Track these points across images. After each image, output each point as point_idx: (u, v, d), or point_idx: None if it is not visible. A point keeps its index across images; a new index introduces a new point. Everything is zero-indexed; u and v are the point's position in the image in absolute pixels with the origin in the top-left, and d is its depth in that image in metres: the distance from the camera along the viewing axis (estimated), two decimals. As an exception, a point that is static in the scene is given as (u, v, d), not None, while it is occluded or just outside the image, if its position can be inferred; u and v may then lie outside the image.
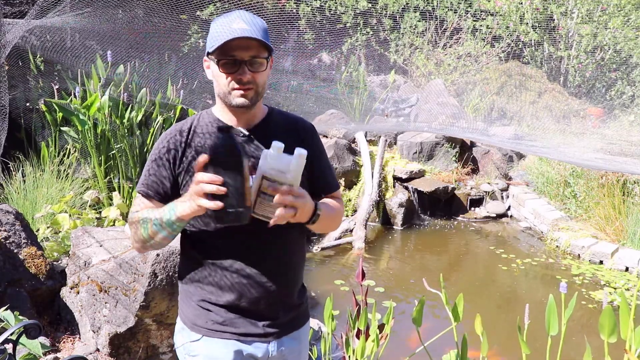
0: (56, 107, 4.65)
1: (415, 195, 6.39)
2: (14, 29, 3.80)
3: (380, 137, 6.75)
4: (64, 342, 2.87)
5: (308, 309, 1.65)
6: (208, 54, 1.43)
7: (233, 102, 1.42)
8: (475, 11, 9.06)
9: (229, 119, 1.48)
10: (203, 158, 1.23)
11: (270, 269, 1.48)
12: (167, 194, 1.45)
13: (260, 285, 1.47)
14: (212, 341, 1.47)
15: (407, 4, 8.95)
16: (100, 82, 4.64)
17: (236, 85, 1.40)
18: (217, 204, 1.22)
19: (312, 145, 1.53)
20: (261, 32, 1.38)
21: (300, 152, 1.31)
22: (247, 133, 1.48)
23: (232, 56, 1.37)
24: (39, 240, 3.34)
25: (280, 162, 1.29)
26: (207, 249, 1.47)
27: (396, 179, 6.49)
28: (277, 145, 1.30)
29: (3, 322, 1.53)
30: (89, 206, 4.24)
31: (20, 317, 1.59)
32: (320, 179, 1.57)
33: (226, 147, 1.25)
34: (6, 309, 1.58)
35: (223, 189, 1.22)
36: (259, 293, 1.47)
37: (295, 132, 1.55)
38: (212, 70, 1.44)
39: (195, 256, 1.49)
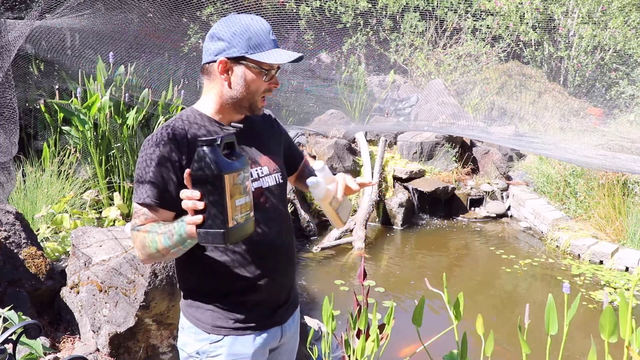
0: (57, 108, 4.65)
1: (415, 195, 6.39)
2: (15, 31, 3.81)
3: (380, 137, 6.75)
4: (64, 342, 2.87)
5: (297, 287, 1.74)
6: (241, 58, 1.38)
7: (257, 108, 1.46)
8: (475, 11, 9.07)
9: (221, 117, 1.48)
10: (186, 172, 1.18)
11: (281, 259, 1.53)
12: (173, 199, 1.35)
13: (274, 276, 1.52)
14: (234, 339, 1.49)
15: (407, 4, 8.96)
16: (102, 82, 4.65)
17: (267, 92, 1.44)
18: (194, 220, 1.17)
19: (281, 128, 1.70)
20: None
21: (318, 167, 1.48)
22: (241, 126, 1.49)
23: (274, 66, 1.42)
24: (39, 240, 3.33)
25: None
26: (220, 251, 1.45)
27: (396, 179, 6.49)
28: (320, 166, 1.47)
29: (6, 321, 1.54)
30: (89, 206, 4.24)
31: (24, 317, 1.59)
32: (296, 152, 1.76)
33: (204, 161, 1.15)
34: (9, 309, 1.58)
35: (201, 205, 1.16)
36: (274, 283, 1.52)
37: (269, 121, 1.65)
38: (238, 75, 1.40)
39: (207, 260, 1.46)
